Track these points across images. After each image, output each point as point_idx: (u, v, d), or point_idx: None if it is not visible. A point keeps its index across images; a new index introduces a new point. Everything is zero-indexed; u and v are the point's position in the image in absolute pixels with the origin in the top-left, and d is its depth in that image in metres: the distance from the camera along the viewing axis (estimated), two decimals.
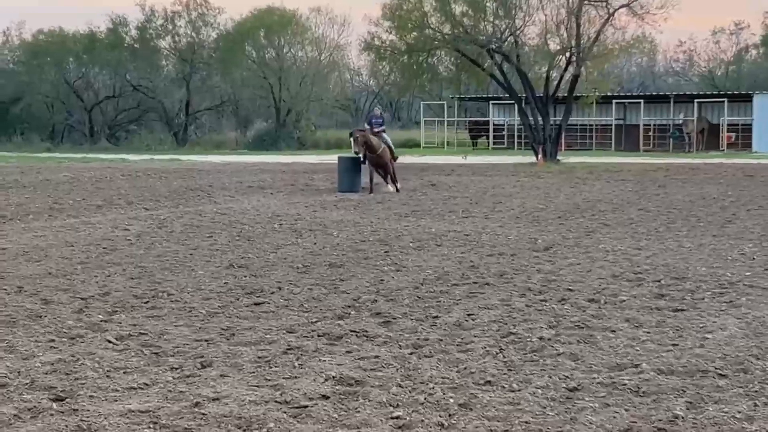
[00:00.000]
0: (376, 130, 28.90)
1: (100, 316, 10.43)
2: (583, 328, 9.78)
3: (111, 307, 10.98)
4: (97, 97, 75.16)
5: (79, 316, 10.50)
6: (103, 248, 16.06)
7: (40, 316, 10.45)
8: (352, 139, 28.19)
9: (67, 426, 6.65)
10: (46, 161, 49.05)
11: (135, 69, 74.38)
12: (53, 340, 9.32)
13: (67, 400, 7.28)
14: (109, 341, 9.24)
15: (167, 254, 15.33)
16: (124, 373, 8.08)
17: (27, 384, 7.70)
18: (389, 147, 28.76)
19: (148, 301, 11.30)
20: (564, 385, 7.63)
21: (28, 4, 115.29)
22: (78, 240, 17.22)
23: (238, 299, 11.43)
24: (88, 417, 6.84)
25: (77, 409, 7.04)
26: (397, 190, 28.23)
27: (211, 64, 74.90)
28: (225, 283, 12.56)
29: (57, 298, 11.54)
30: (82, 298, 11.47)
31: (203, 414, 6.92)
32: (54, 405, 7.14)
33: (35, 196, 26.93)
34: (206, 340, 9.28)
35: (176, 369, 8.21)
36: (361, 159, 28.00)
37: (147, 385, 7.71)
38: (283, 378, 7.89)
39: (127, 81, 74.43)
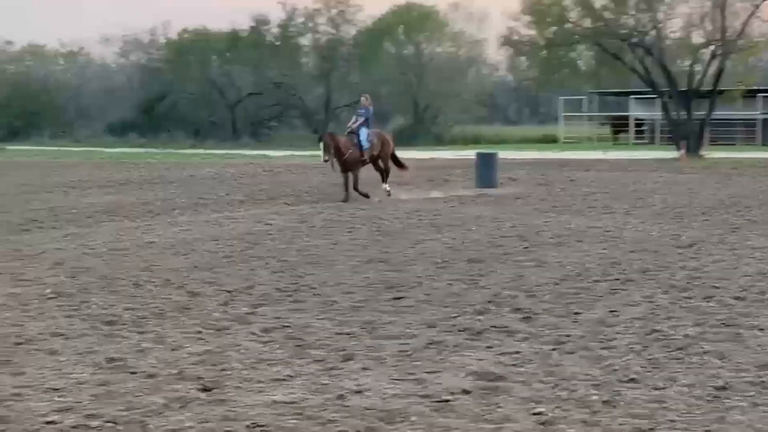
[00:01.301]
0: (351, 124, 25.48)
1: (245, 309, 10.64)
2: (729, 325, 9.54)
3: (255, 300, 11.19)
4: (240, 94, 76.52)
5: (225, 308, 10.73)
6: (247, 242, 16.37)
7: (188, 308, 10.73)
8: (321, 144, 24.58)
9: (214, 416, 6.80)
10: (191, 158, 50.22)
11: (276, 66, 75.46)
12: (200, 332, 9.55)
13: (214, 390, 7.45)
14: (254, 334, 9.42)
15: (309, 249, 15.54)
16: (268, 364, 8.23)
17: (176, 374, 7.91)
18: (361, 145, 24.62)
19: (291, 295, 11.48)
20: (711, 384, 7.47)
21: (174, 4, 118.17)
22: (222, 234, 17.60)
23: (378, 293, 11.51)
24: (234, 407, 6.98)
25: (224, 400, 7.19)
26: (388, 192, 25.24)
27: (350, 60, 75.54)
28: (366, 277, 12.66)
29: (203, 290, 11.82)
30: (227, 291, 11.72)
31: (346, 406, 7.00)
32: (202, 395, 7.32)
33: (180, 192, 27.62)
34: (348, 334, 9.38)
35: (319, 361, 8.32)
36: (331, 166, 24.61)
37: (291, 377, 7.83)
38: (425, 372, 7.91)
39: (268, 78, 75.58)
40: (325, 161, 24.30)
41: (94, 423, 6.60)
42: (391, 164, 25.95)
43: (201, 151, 59.14)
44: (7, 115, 76.94)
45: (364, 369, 8.05)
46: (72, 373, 7.93)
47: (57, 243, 16.55)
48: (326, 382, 7.67)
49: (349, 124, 25.64)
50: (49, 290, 11.86)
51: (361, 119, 25.18)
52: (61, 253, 15.23)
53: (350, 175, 24.47)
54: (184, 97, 75.88)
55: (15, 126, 76.32)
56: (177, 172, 37.54)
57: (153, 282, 12.46)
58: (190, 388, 7.48)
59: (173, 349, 8.81)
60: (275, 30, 77.41)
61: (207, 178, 33.75)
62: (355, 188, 24.39)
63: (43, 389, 7.46)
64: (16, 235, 17.74)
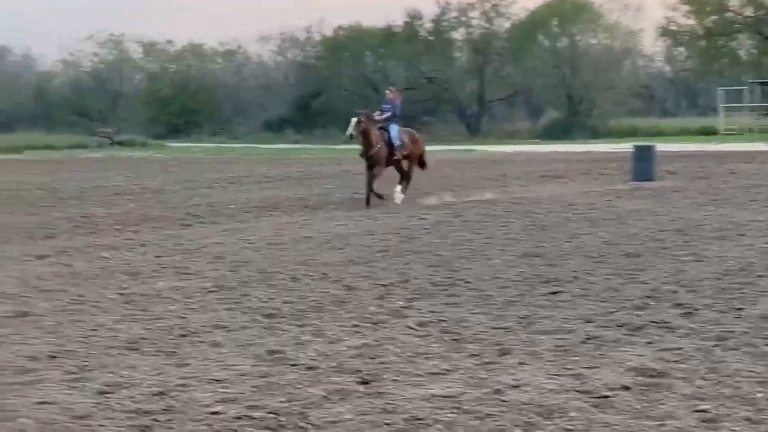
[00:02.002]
0: (378, 116, 22.91)
1: (401, 303, 10.71)
2: None
3: (411, 293, 11.25)
4: None
5: (381, 302, 10.82)
6: (402, 237, 16.47)
7: (345, 302, 10.86)
8: (353, 120, 21.94)
9: (373, 408, 6.86)
10: (345, 153, 50.75)
11: (429, 61, 75.63)
12: (357, 325, 9.65)
13: (372, 383, 7.51)
14: (411, 327, 9.47)
15: (463, 243, 15.53)
16: (425, 358, 8.26)
17: (335, 367, 8.01)
18: (391, 144, 22.51)
19: (446, 289, 11.50)
20: None
21: (329, 2, 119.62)
22: (377, 229, 17.74)
23: (534, 288, 11.42)
24: (393, 400, 7.03)
25: (382, 392, 7.25)
26: (402, 193, 23.03)
27: (503, 54, 75.16)
28: (521, 271, 12.58)
29: (359, 284, 11.95)
30: (383, 285, 11.81)
31: (504, 401, 6.97)
32: (360, 387, 7.39)
33: (336, 187, 27.97)
34: (504, 328, 9.33)
35: (476, 356, 8.31)
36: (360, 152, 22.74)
37: (448, 370, 7.84)
38: (583, 367, 7.82)
39: (421, 73, 75.80)
40: (350, 137, 22.18)
41: (256, 414, 6.73)
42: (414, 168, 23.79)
43: (355, 146, 59.70)
44: (169, 114, 79.36)
45: (521, 364, 8.01)
46: (234, 365, 8.12)
47: (217, 237, 16.98)
48: (483, 376, 7.65)
49: (374, 115, 22.94)
50: (210, 283, 12.17)
51: (387, 113, 22.77)
52: (222, 248, 15.61)
53: (373, 170, 22.29)
54: (339, 93, 76.71)
55: (176, 124, 78.66)
56: (332, 167, 38.04)
57: (310, 276, 12.66)
58: (349, 381, 7.56)
59: (331, 342, 8.93)
60: (428, 25, 77.57)
61: (362, 174, 34.02)
62: (370, 188, 22.19)
63: (207, 380, 7.65)
64: (178, 230, 18.26)
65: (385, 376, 7.68)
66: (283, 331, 9.46)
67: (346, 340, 9.01)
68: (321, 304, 10.76)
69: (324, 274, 12.77)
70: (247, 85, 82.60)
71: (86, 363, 8.27)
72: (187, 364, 8.18)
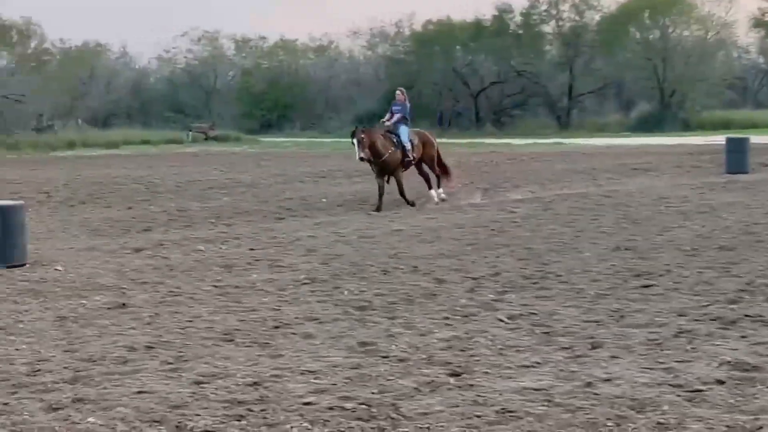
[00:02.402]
0: (387, 121, 21.95)
1: (491, 296, 10.73)
2: None
3: (501, 287, 11.26)
4: (483, 83, 76.68)
5: (471, 295, 10.85)
6: (492, 230, 16.46)
7: (435, 295, 10.91)
8: (355, 141, 20.78)
9: (464, 400, 6.91)
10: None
11: (519, 55, 75.22)
12: (447, 318, 9.70)
13: (463, 375, 7.56)
14: (501, 320, 9.49)
15: (553, 236, 15.47)
16: (516, 351, 8.28)
17: (425, 359, 8.07)
18: (404, 146, 21.52)
19: (536, 282, 11.49)
20: None
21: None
22: (467, 222, 17.76)
23: (626, 281, 11.34)
24: (483, 392, 7.07)
25: (473, 385, 7.29)
26: (442, 199, 22.30)
27: (594, 47, 74.40)
28: (612, 265, 12.50)
29: (449, 277, 11.99)
30: (473, 278, 11.84)
31: (596, 394, 6.96)
32: (451, 380, 7.44)
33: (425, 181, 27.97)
34: (596, 321, 9.30)
35: (567, 349, 8.30)
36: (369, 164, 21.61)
37: (539, 363, 7.85)
38: (675, 361, 7.76)
39: (511, 67, 75.41)
40: (361, 159, 20.93)
41: (348, 405, 6.82)
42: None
43: (444, 140, 59.68)
44: (261, 109, 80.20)
45: (613, 357, 7.98)
46: (326, 356, 8.23)
47: (309, 231, 17.16)
48: (574, 369, 7.64)
49: (383, 120, 22.13)
50: (303, 276, 12.33)
51: (398, 116, 21.75)
52: (314, 241, 15.78)
53: (386, 180, 21.36)
54: (428, 87, 76.69)
55: (268, 119, 79.49)
56: None
57: (401, 269, 12.74)
58: (439, 373, 7.61)
59: (422, 335, 8.99)
60: (518, 18, 77.17)
61: (452, 167, 34.04)
62: (401, 194, 21.33)
63: (300, 371, 7.76)
64: (271, 223, 18.50)
65: (475, 369, 7.71)
66: (375, 323, 9.55)
67: (437, 332, 9.06)
68: (411, 296, 10.83)
69: (414, 266, 12.84)
70: (338, 80, 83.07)
71: (182, 353, 8.45)
72: (281, 355, 8.32)
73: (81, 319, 9.96)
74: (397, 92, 22.32)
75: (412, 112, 22.51)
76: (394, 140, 21.32)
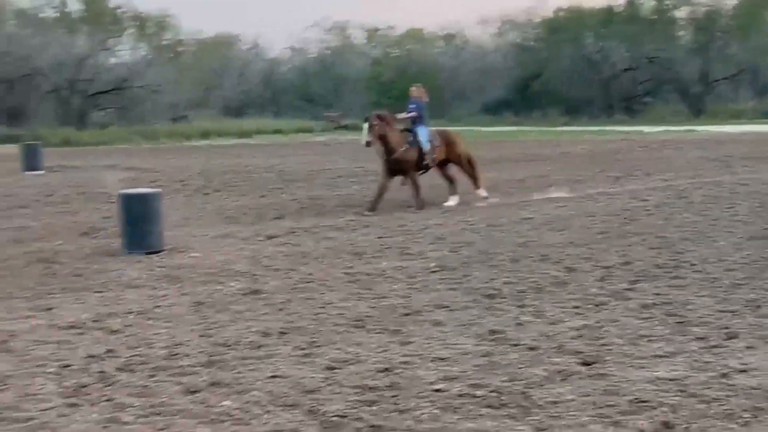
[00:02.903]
0: (401, 116, 19.81)
1: (623, 285, 10.59)
2: None
3: (633, 275, 11.11)
4: (614, 70, 75.66)
5: (602, 284, 10.74)
6: (623, 218, 16.24)
7: (565, 283, 10.83)
8: (365, 125, 18.81)
9: (595, 389, 6.85)
10: (564, 135, 50.33)
11: (651, 41, 73.92)
12: (578, 307, 9.62)
13: (594, 364, 7.49)
14: (633, 309, 9.37)
15: (687, 225, 15.19)
16: (648, 341, 8.16)
17: (555, 348, 8.03)
18: (421, 146, 19.38)
19: (670, 271, 11.29)
20: None
21: None
22: (597, 210, 17.55)
23: (762, 271, 11.07)
24: (615, 382, 7.00)
25: (604, 374, 7.22)
26: (484, 197, 20.13)
27: (728, 32, 72.64)
28: (748, 254, 12.21)
29: (580, 266, 11.88)
30: (604, 267, 11.71)
31: (731, 385, 6.82)
32: (582, 369, 7.39)
33: (555, 168, 27.79)
34: (731, 311, 9.11)
35: (701, 339, 8.15)
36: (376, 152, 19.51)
37: (672, 353, 7.73)
38: None
39: (643, 53, 74.17)
40: (367, 144, 18.81)
41: (479, 392, 6.84)
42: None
43: (574, 128, 59.13)
44: (391, 97, 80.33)
45: (749, 348, 7.81)
46: (456, 344, 8.25)
47: (438, 219, 17.19)
48: (709, 359, 7.51)
49: (400, 116, 19.83)
50: (432, 264, 12.37)
51: (412, 113, 19.59)
52: (443, 229, 15.80)
53: (390, 182, 19.33)
54: (558, 74, 76.05)
55: (397, 108, 79.64)
56: (550, 149, 37.79)
57: (530, 257, 12.67)
58: (570, 362, 7.57)
59: (552, 323, 8.94)
60: (650, 4, 75.85)
61: (581, 155, 33.72)
62: (417, 196, 19.23)
63: (430, 358, 7.80)
64: (400, 212, 18.57)
65: (607, 358, 7.64)
66: (504, 311, 9.53)
67: (567, 321, 9.00)
68: (541, 285, 10.77)
69: (544, 255, 12.76)
70: (466, 68, 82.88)
71: (315, 339, 8.57)
72: (411, 342, 8.37)
73: (216, 305, 10.18)
74: (413, 88, 20.05)
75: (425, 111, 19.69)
76: (410, 138, 19.29)
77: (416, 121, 19.42)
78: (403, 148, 19.06)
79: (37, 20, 65.91)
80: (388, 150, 18.96)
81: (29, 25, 65.08)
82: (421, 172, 19.55)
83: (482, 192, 20.22)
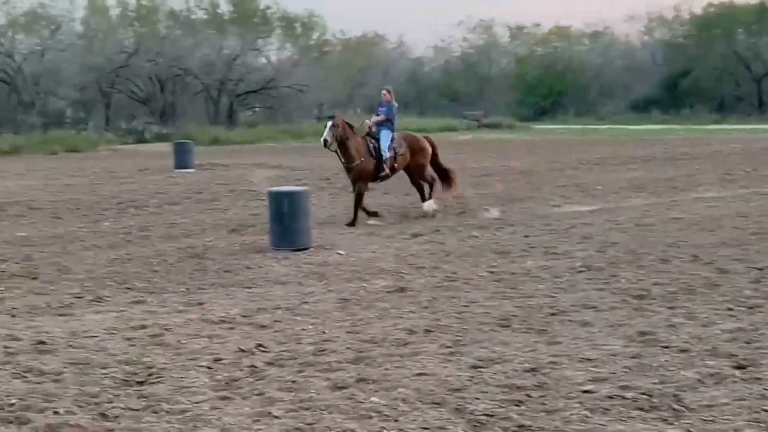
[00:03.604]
0: (373, 120, 18.26)
1: None
2: None
3: None
4: (766, 67, 73.44)
5: (756, 286, 10.45)
6: None
7: (717, 285, 10.57)
8: (328, 123, 17.33)
9: (750, 393, 6.67)
10: (715, 133, 49.11)
11: None
12: (731, 309, 9.37)
13: (749, 368, 7.28)
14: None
15: None
16: None
17: (708, 351, 7.83)
18: (381, 155, 17.83)
19: None
20: None
21: None
22: (751, 211, 17.08)
23: None
24: None
25: (760, 378, 7.02)
26: (435, 210, 18.39)
27: None
28: None
29: (732, 267, 11.58)
30: (758, 269, 11.39)
31: None
32: (736, 372, 7.19)
33: (705, 168, 27.15)
34: None
35: None
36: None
37: None
38: None
39: None
40: (325, 142, 17.22)
41: (628, 394, 6.72)
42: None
43: (725, 126, 57.67)
44: (535, 96, 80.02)
45: None
46: (605, 345, 8.13)
47: (584, 218, 16.98)
48: None
49: (369, 121, 18.42)
50: (579, 263, 12.22)
51: (381, 117, 18.15)
52: (589, 228, 15.60)
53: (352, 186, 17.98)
54: (708, 72, 74.23)
55: (542, 106, 79.19)
56: (701, 147, 36.91)
57: (680, 257, 12.41)
58: (723, 365, 7.37)
59: (704, 325, 8.73)
60: None
61: (733, 154, 32.85)
62: (357, 206, 17.58)
63: (578, 359, 7.71)
64: (546, 210, 18.42)
65: (762, 362, 7.42)
66: (654, 312, 9.35)
67: (720, 323, 8.78)
68: (692, 286, 10.54)
69: (694, 255, 12.48)
70: (613, 65, 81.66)
71: (460, 338, 8.57)
72: (558, 342, 8.29)
73: (362, 302, 10.27)
74: (383, 92, 18.65)
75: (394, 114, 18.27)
76: (371, 147, 17.83)
77: (383, 125, 18.03)
78: (361, 160, 17.63)
79: (188, 21, 67.57)
80: (348, 158, 17.60)
81: (180, 26, 66.80)
82: (377, 180, 18.31)
83: (429, 205, 18.43)
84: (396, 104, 18.54)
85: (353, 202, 17.59)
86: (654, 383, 6.97)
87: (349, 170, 17.77)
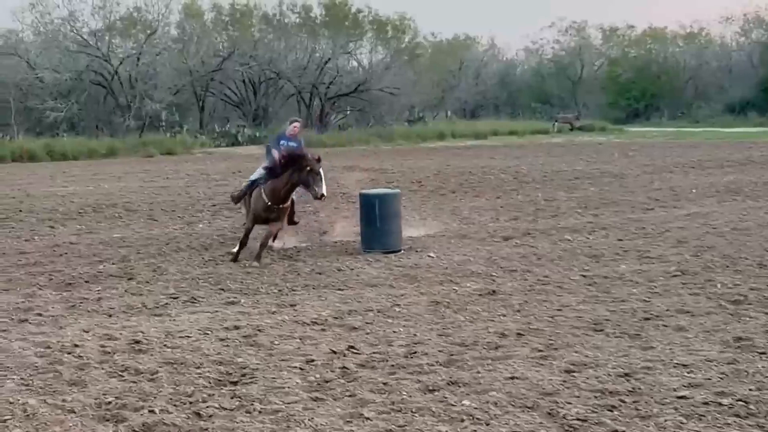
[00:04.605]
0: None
1: None
2: None
3: None
4: None
5: None
6: None
7: None
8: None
9: None
10: None
11: None
12: None
13: None
14: None
15: None
16: None
17: None
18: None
19: None
20: None
21: None
22: None
23: None
24: None
25: None
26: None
27: None
28: None
29: None
30: None
31: None
32: None
33: None
34: None
35: None
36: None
37: None
38: None
39: None
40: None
41: (725, 401, 6.61)
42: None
43: None
44: (628, 98, 79.14)
45: None
46: (700, 350, 8.01)
47: (679, 222, 16.73)
48: None
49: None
50: (673, 268, 12.05)
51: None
52: (684, 232, 15.37)
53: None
54: None
55: (635, 108, 78.31)
56: None
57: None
58: None
59: None
60: None
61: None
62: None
63: (672, 364, 7.60)
64: (639, 214, 18.19)
65: None
66: (751, 318, 9.19)
67: None
68: None
69: None
70: (708, 67, 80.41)
71: (552, 341, 8.51)
72: (652, 347, 8.18)
73: (454, 305, 10.25)
74: (294, 124, 15.43)
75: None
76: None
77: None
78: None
79: (281, 25, 68.16)
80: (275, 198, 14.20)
81: (273, 30, 67.42)
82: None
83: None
84: (301, 138, 15.53)
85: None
86: (750, 390, 6.84)
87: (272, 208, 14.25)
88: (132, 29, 60.51)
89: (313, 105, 64.81)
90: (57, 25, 57.53)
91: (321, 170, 13.94)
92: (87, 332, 9.20)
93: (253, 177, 15.14)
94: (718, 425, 6.17)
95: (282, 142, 15.10)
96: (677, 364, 7.60)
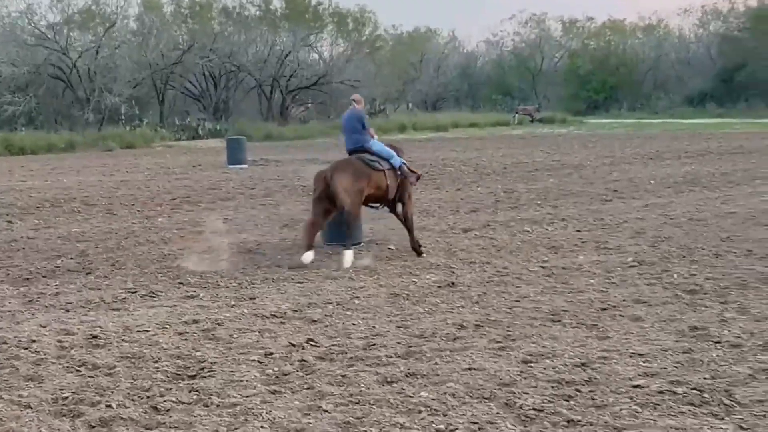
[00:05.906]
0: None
1: None
2: None
3: None
4: None
5: None
6: None
7: None
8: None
9: None
10: None
11: None
12: None
13: None
14: None
15: None
16: None
17: (761, 345, 7.77)
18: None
19: None
20: None
21: None
22: None
23: None
24: None
25: None
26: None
27: None
28: None
29: None
30: None
31: None
32: None
33: (761, 162, 26.83)
34: None
35: None
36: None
37: None
38: None
39: None
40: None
41: (679, 389, 6.68)
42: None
43: None
44: (588, 90, 79.56)
45: None
46: (656, 340, 8.09)
47: (637, 213, 16.87)
48: None
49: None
50: (630, 258, 12.15)
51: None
52: (642, 223, 15.50)
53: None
54: (763, 65, 73.27)
55: (595, 100, 78.76)
56: (757, 141, 36.50)
57: (734, 252, 12.31)
58: None
59: (757, 320, 8.66)
60: None
61: None
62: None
63: (629, 354, 7.67)
64: (598, 205, 18.32)
65: None
66: (706, 307, 9.28)
67: None
68: (745, 281, 10.44)
69: (749, 250, 12.36)
70: (668, 59, 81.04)
71: (510, 332, 8.56)
72: (609, 337, 8.25)
73: (413, 297, 10.28)
74: (360, 104, 14.15)
75: None
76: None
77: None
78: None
79: (241, 18, 67.97)
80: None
81: (233, 22, 67.22)
82: None
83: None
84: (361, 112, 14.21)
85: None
86: (705, 378, 6.92)
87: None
88: (91, 22, 60.09)
89: (273, 98, 64.69)
90: (14, 18, 57.08)
91: None
92: (44, 327, 9.13)
93: (398, 161, 13.94)
94: (673, 414, 6.23)
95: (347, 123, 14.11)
96: (633, 353, 7.67)
